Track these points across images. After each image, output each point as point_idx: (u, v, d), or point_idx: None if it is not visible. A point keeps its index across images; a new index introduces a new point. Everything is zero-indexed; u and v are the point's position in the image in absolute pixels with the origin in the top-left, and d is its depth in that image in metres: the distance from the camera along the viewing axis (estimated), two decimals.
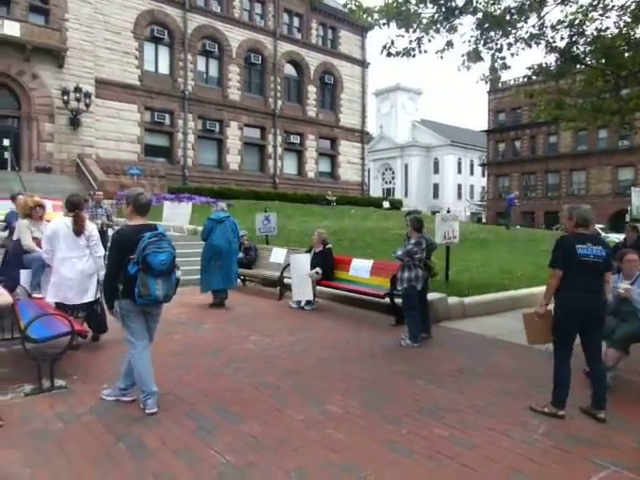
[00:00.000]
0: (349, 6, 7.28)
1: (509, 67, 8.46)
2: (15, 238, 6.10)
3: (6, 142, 20.95)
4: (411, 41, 7.39)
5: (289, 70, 31.29)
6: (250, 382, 4.51)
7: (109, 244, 3.94)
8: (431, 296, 6.88)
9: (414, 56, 7.40)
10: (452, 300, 7.42)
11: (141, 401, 3.85)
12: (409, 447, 3.28)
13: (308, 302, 7.90)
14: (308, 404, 4.01)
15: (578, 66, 9.17)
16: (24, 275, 5.62)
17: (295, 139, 30.88)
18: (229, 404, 3.99)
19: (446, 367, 5.03)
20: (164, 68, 26.07)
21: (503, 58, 8.40)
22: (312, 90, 31.98)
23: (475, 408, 3.95)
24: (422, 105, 67.96)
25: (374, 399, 4.13)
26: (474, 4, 7.21)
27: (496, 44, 8.13)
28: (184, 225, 13.51)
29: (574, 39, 8.45)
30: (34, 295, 5.55)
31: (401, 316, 6.59)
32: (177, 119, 26.00)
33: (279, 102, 30.22)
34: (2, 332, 5.53)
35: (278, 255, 9.55)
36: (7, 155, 20.73)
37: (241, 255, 10.09)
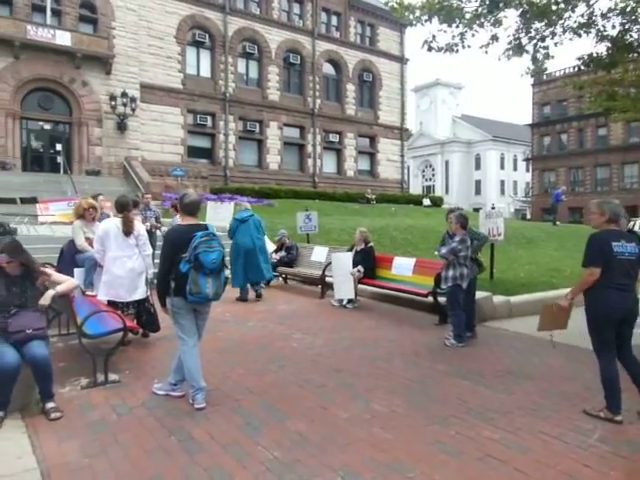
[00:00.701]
0: (390, 4, 7.21)
1: (552, 57, 8.15)
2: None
3: (59, 147, 21.95)
4: (454, 36, 7.25)
5: (327, 69, 31.31)
6: (295, 380, 4.55)
7: (160, 244, 4.08)
8: (476, 295, 6.73)
9: (457, 51, 7.25)
10: (498, 299, 7.24)
11: (190, 396, 3.95)
12: (458, 448, 3.22)
13: (350, 300, 7.90)
14: (353, 402, 4.01)
15: (631, 55, 8.74)
16: (78, 273, 5.86)
17: (334, 138, 30.88)
18: (275, 401, 4.04)
19: (493, 368, 4.92)
20: (206, 71, 26.61)
21: (546, 48, 8.11)
22: (351, 88, 31.89)
23: (525, 410, 3.84)
24: (463, 100, 66.50)
25: (419, 399, 4.08)
26: None
27: (539, 34, 7.86)
28: (227, 225, 13.73)
29: (627, 27, 8.06)
30: (87, 293, 5.78)
31: (445, 315, 6.50)
32: (218, 121, 26.50)
33: (318, 101, 30.30)
34: (59, 328, 5.83)
35: (319, 253, 9.59)
36: (60, 159, 21.71)
37: (283, 254, 10.23)
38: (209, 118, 26.11)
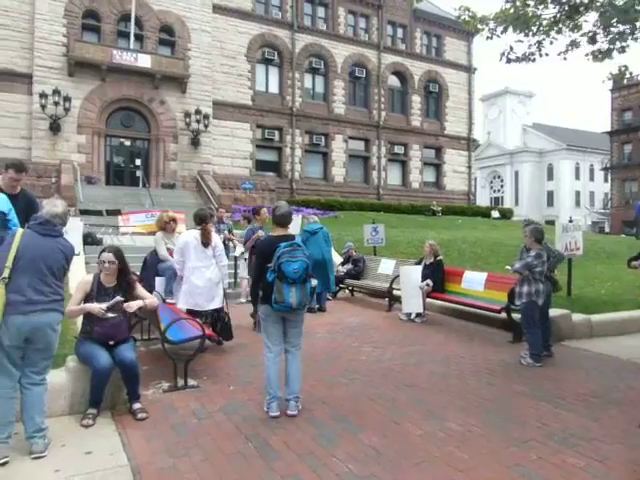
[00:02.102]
0: (462, 17, 7.12)
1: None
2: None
3: (138, 162, 23.41)
4: (530, 45, 7.03)
5: (393, 81, 31.28)
6: (366, 393, 4.55)
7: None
8: (553, 312, 6.43)
9: (534, 60, 7.03)
10: (577, 317, 6.86)
11: (265, 403, 4.07)
12: (541, 474, 3.09)
13: (418, 314, 7.80)
14: (427, 419, 3.95)
15: None
16: (159, 282, 6.21)
17: (399, 149, 30.71)
18: (347, 413, 4.07)
19: (575, 390, 4.66)
20: (274, 87, 27.44)
21: (623, 50, 7.64)
22: (416, 100, 31.64)
23: (613, 438, 3.62)
24: (533, 108, 63.77)
25: (496, 419, 3.95)
26: None
27: (620, 35, 7.42)
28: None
29: None
30: (167, 300, 6.11)
31: (519, 332, 6.25)
32: (285, 135, 27.17)
33: (383, 113, 30.30)
34: (141, 333, 6.19)
35: (387, 266, 9.54)
36: (139, 173, 23.14)
37: (350, 266, 10.27)
38: (276, 132, 26.83)
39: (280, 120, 27.02)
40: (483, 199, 57.57)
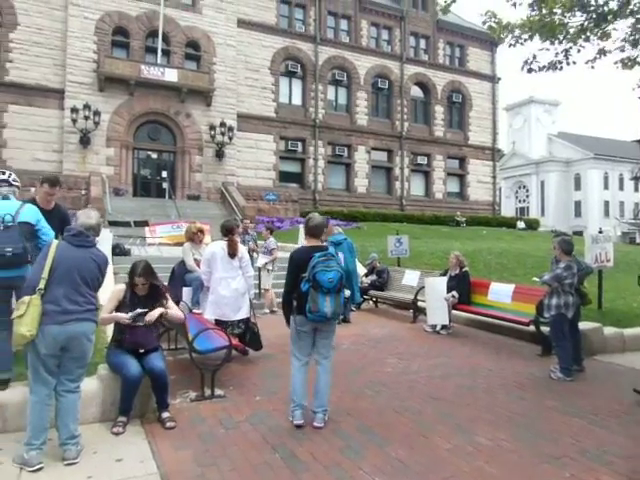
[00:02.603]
0: (488, 24, 7.09)
1: None
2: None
3: (164, 174, 23.88)
4: (557, 53, 6.95)
5: (415, 92, 31.27)
6: (392, 405, 4.52)
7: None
8: (584, 326, 6.29)
9: (561, 69, 6.95)
10: (608, 331, 6.69)
11: (290, 411, 4.08)
12: None
13: (444, 326, 7.71)
14: (454, 433, 3.90)
15: None
16: (186, 292, 6.31)
17: (422, 160, 30.59)
18: (373, 425, 4.04)
19: (609, 406, 4.54)
20: (297, 99, 27.73)
21: None
22: (439, 110, 31.54)
23: None
24: (559, 117, 62.83)
25: (526, 434, 3.87)
26: (631, 6, 6.58)
27: None
28: None
29: None
30: (194, 311, 6.19)
31: (548, 346, 6.12)
32: (308, 146, 27.37)
33: (406, 124, 30.28)
34: (168, 342, 6.28)
35: (411, 277, 9.48)
36: (165, 185, 23.59)
37: (374, 277, 10.24)
38: (300, 144, 27.06)
39: (303, 132, 27.26)
40: (508, 209, 56.74)
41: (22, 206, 4.02)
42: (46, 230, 4.06)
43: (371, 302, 10.49)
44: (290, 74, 27.36)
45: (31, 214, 4.03)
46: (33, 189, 4.96)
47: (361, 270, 10.93)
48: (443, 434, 3.87)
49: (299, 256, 4.06)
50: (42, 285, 3.30)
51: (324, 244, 4.16)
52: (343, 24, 29.36)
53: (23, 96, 21.22)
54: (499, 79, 33.80)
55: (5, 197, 4.07)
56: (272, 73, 26.57)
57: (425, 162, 30.78)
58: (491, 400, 4.68)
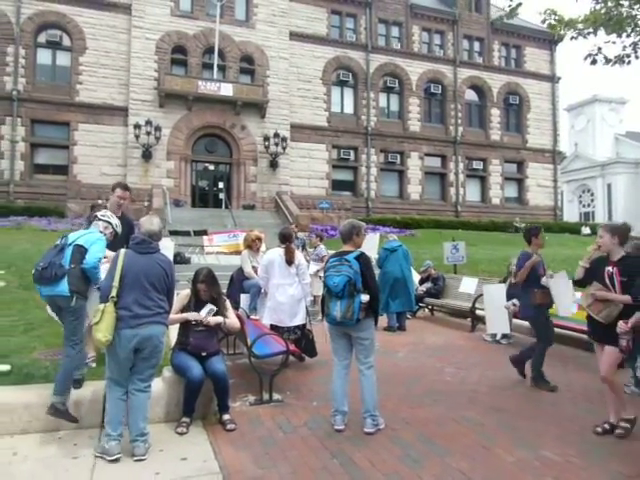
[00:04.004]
0: (548, 22, 6.85)
1: None
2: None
3: (221, 185, 24.66)
4: (625, 47, 6.61)
5: (470, 95, 30.61)
6: (452, 415, 4.41)
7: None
8: None
9: (629, 63, 6.59)
10: None
11: (331, 416, 4.09)
12: None
13: (504, 336, 7.45)
14: (518, 446, 3.75)
15: None
16: (244, 299, 6.44)
17: (478, 165, 29.82)
18: (432, 435, 3.96)
19: None
20: (349, 108, 27.86)
21: None
22: (495, 113, 30.69)
23: None
24: (627, 116, 59.43)
25: (598, 452, 3.66)
26: None
27: None
28: (372, 255, 14.01)
29: None
30: (252, 317, 6.32)
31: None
32: (361, 154, 27.38)
33: (460, 129, 29.67)
34: (227, 347, 6.44)
35: (468, 285, 9.24)
36: (221, 195, 24.33)
37: (429, 285, 10.07)
38: (352, 152, 27.13)
39: (355, 140, 27.32)
40: (571, 214, 54.06)
41: (88, 233, 3.98)
42: (92, 251, 3.82)
43: (426, 310, 10.31)
44: (342, 83, 27.55)
45: (87, 238, 3.89)
46: (100, 201, 5.33)
47: (416, 278, 10.79)
48: (506, 447, 3.74)
49: (328, 262, 4.21)
50: (114, 293, 3.52)
51: (348, 250, 4.12)
52: (394, 31, 29.28)
53: (92, 115, 22.63)
54: (559, 79, 32.50)
55: (87, 228, 4.16)
56: (324, 83, 26.86)
57: (481, 167, 29.99)
58: (558, 413, 4.47)
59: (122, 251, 3.72)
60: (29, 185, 21.73)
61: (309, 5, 26.85)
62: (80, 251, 3.77)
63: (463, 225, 25.40)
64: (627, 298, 3.79)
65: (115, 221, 4.29)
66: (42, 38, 22.64)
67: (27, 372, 4.37)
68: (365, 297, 3.91)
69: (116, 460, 3.40)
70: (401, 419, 4.30)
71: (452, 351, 7.00)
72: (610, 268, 4.00)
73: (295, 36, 26.11)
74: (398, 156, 28.07)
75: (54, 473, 3.25)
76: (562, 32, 7.09)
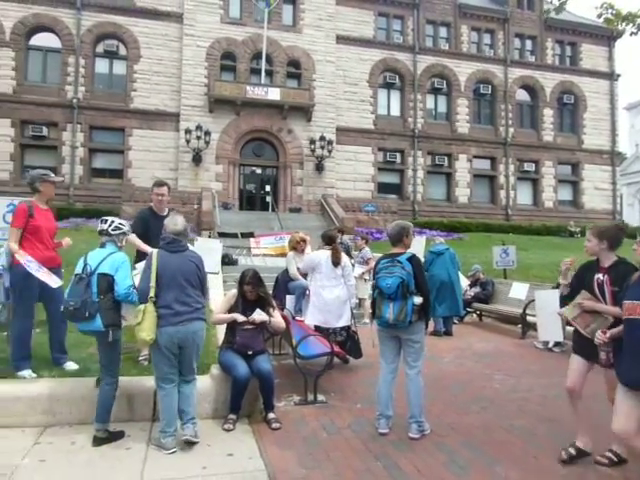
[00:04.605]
0: (604, 16, 6.55)
1: None
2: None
3: (267, 188, 25.04)
4: None
5: (521, 95, 29.65)
6: (500, 423, 4.29)
7: None
8: None
9: None
10: None
11: (375, 419, 4.06)
12: None
13: (557, 343, 7.16)
14: (572, 457, 3.59)
15: None
16: (289, 300, 6.52)
17: (529, 167, 28.81)
18: (480, 443, 3.86)
19: None
20: (395, 110, 27.63)
21: None
22: (548, 113, 29.58)
23: None
24: None
25: None
26: None
27: None
28: (421, 258, 13.82)
29: None
30: (297, 318, 6.37)
31: None
32: (407, 157, 27.08)
33: (511, 130, 28.79)
34: (272, 348, 6.53)
35: (518, 290, 8.94)
36: (268, 199, 24.69)
37: (477, 289, 9.83)
38: (398, 155, 26.87)
39: (401, 142, 27.05)
40: (632, 218, 51.29)
41: (108, 256, 3.73)
42: (119, 280, 3.64)
43: (474, 315, 10.06)
44: (388, 85, 27.37)
45: (111, 264, 3.67)
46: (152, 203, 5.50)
47: (463, 282, 10.55)
48: (558, 458, 3.59)
49: (376, 263, 4.19)
50: (152, 293, 3.62)
51: (398, 252, 4.06)
52: (442, 32, 28.81)
53: (145, 121, 23.53)
54: (618, 76, 30.96)
55: (103, 245, 3.85)
56: (370, 85, 26.77)
57: (533, 169, 28.97)
58: None
59: (154, 252, 3.80)
60: (87, 188, 22.83)
61: (355, 8, 26.86)
62: (107, 280, 3.61)
63: (513, 229, 24.63)
64: (618, 311, 3.16)
65: (126, 224, 3.97)
66: (100, 48, 23.77)
67: (84, 366, 4.62)
68: (418, 299, 3.87)
69: (172, 454, 3.55)
70: (447, 425, 4.22)
71: (501, 358, 6.80)
72: (600, 276, 3.47)
73: (341, 39, 26.17)
74: (445, 158, 27.57)
75: (109, 463, 3.40)
76: (620, 27, 6.76)
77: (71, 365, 4.59)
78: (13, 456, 3.43)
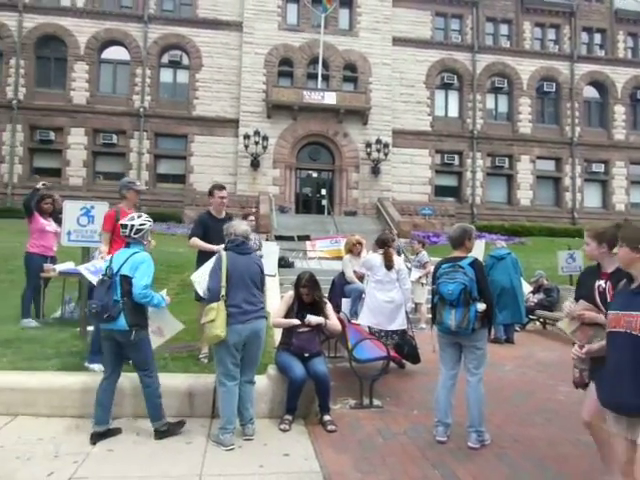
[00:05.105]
0: None
1: None
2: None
3: (323, 191, 25.22)
4: None
5: (589, 92, 28.15)
6: (566, 437, 4.08)
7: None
8: None
9: None
10: None
11: (433, 426, 3.97)
12: None
13: None
14: None
15: None
16: (345, 303, 6.52)
17: (598, 168, 27.26)
18: (543, 456, 3.70)
19: None
20: (453, 111, 27.03)
21: None
22: (619, 110, 27.89)
23: None
24: None
25: None
26: None
27: None
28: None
29: None
30: (352, 321, 6.36)
31: None
32: (465, 159, 26.41)
33: (577, 129, 27.39)
34: (328, 350, 6.55)
35: None
36: (324, 202, 24.87)
37: (541, 296, 9.43)
38: (456, 157, 26.26)
39: (460, 144, 26.42)
40: None
41: (130, 257, 3.76)
42: (136, 280, 3.67)
43: (538, 323, 9.64)
44: (446, 86, 26.83)
45: (131, 265, 3.71)
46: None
47: (526, 288, 10.14)
48: None
49: (435, 269, 4.11)
50: (223, 292, 3.80)
51: (460, 256, 3.95)
52: (503, 29, 27.92)
53: (206, 127, 24.38)
54: None
55: (127, 245, 3.91)
56: (427, 87, 26.36)
57: (602, 170, 27.40)
58: None
59: (224, 253, 3.98)
60: (152, 193, 23.90)
61: (412, 9, 26.56)
62: (127, 282, 3.67)
63: (580, 233, 23.30)
64: None
65: (148, 221, 3.93)
66: (165, 59, 24.88)
67: None
68: (482, 306, 3.76)
69: (230, 450, 3.66)
70: (509, 436, 4.07)
71: (566, 368, 6.35)
72: (602, 282, 3.02)
73: (398, 41, 25.93)
74: (506, 160, 26.64)
75: (171, 455, 3.54)
76: None
77: None
78: (85, 444, 3.65)
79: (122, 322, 3.63)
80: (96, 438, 3.68)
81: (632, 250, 2.45)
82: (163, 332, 4.06)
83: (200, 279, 4.40)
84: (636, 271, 2.46)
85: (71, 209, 5.57)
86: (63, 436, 3.69)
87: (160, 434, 3.77)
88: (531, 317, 9.41)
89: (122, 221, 3.94)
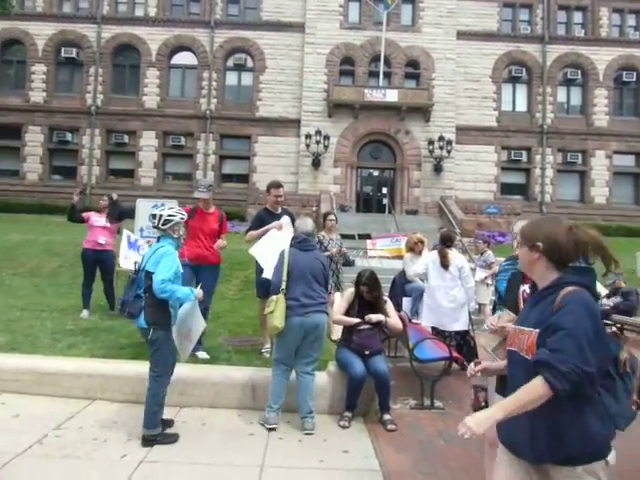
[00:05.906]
0: None
1: None
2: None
3: (384, 190, 25.00)
4: None
5: None
6: None
7: None
8: None
9: None
10: None
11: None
12: None
13: None
14: None
15: None
16: (406, 302, 6.45)
17: None
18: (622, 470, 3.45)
19: None
20: (521, 106, 25.90)
21: None
22: None
23: None
24: None
25: None
26: None
27: None
28: None
29: None
30: (413, 320, 6.27)
31: None
32: (534, 155, 25.22)
33: None
34: (388, 350, 6.49)
35: None
36: (385, 201, 24.65)
37: (618, 300, 8.83)
38: (524, 153, 25.15)
39: (528, 140, 25.27)
40: None
41: (156, 251, 3.63)
42: (155, 276, 3.49)
43: (614, 328, 9.03)
44: (513, 80, 25.74)
45: (154, 259, 3.57)
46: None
47: (601, 291, 9.53)
48: None
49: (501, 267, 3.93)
50: (284, 286, 3.96)
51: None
52: (577, 17, 26.36)
53: (269, 128, 24.89)
54: None
55: (158, 239, 3.81)
56: (494, 81, 25.41)
57: None
58: None
59: (287, 249, 4.14)
60: (217, 192, 24.67)
61: (478, 1, 25.65)
62: (149, 277, 3.53)
63: None
64: None
65: (178, 213, 3.72)
66: (230, 62, 25.63)
67: (213, 355, 5.01)
68: None
69: (273, 429, 3.84)
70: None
71: None
72: (527, 287, 2.67)
73: (462, 35, 25.17)
74: (579, 155, 25.17)
75: (234, 445, 3.66)
76: None
77: (203, 355, 4.99)
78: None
79: (142, 320, 3.56)
80: (164, 425, 3.84)
81: (530, 249, 1.91)
82: (191, 335, 3.83)
83: (257, 252, 4.78)
84: (536, 276, 1.93)
85: (143, 207, 5.87)
86: (135, 421, 3.91)
87: (146, 442, 3.54)
88: (607, 322, 8.82)
89: (152, 211, 3.85)
